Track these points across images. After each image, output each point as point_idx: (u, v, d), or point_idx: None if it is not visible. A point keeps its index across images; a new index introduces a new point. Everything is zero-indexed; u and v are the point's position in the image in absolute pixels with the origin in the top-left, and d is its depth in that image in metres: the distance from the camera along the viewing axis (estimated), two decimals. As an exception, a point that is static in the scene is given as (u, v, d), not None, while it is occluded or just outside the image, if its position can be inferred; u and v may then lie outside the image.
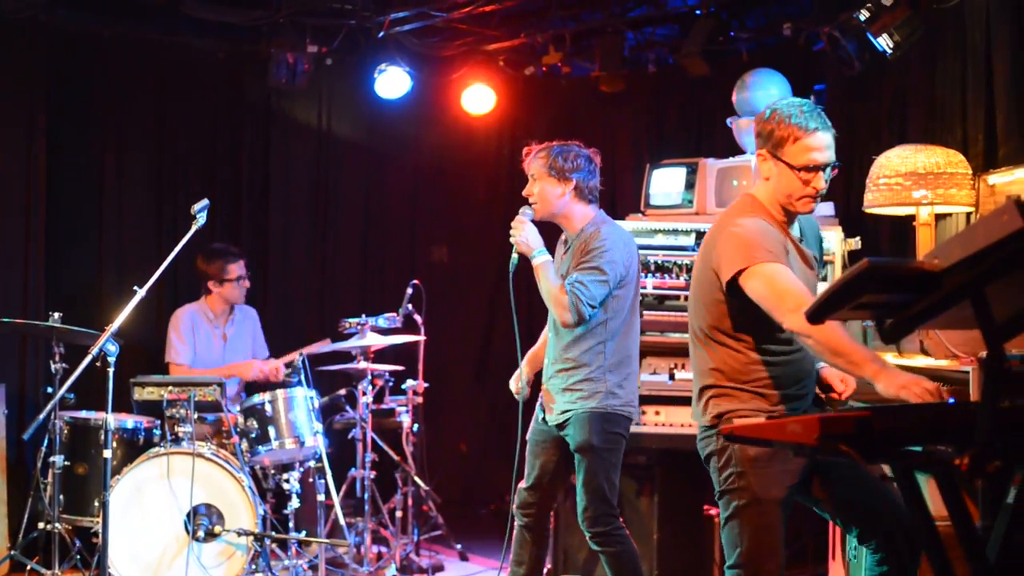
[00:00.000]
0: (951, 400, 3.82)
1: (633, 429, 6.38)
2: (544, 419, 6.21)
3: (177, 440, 7.14)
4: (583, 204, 6.17)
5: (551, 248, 6.20)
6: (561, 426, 6.07)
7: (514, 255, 6.14)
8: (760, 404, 4.59)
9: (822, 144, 4.53)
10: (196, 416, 7.24)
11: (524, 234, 6.11)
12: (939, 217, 6.63)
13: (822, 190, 4.56)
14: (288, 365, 7.94)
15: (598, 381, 5.97)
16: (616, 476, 6.02)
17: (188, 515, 6.97)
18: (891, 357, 5.21)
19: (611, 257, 5.92)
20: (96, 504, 7.27)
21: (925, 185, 6.24)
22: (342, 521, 7.61)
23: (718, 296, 4.60)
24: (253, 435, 7.42)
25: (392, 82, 9.80)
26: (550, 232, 6.27)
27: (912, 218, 6.47)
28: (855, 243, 6.86)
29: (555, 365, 6.15)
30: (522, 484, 6.29)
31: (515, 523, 6.31)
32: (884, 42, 7.14)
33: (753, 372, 4.60)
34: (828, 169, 4.55)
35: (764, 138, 4.60)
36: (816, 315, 3.12)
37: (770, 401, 4.59)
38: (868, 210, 6.61)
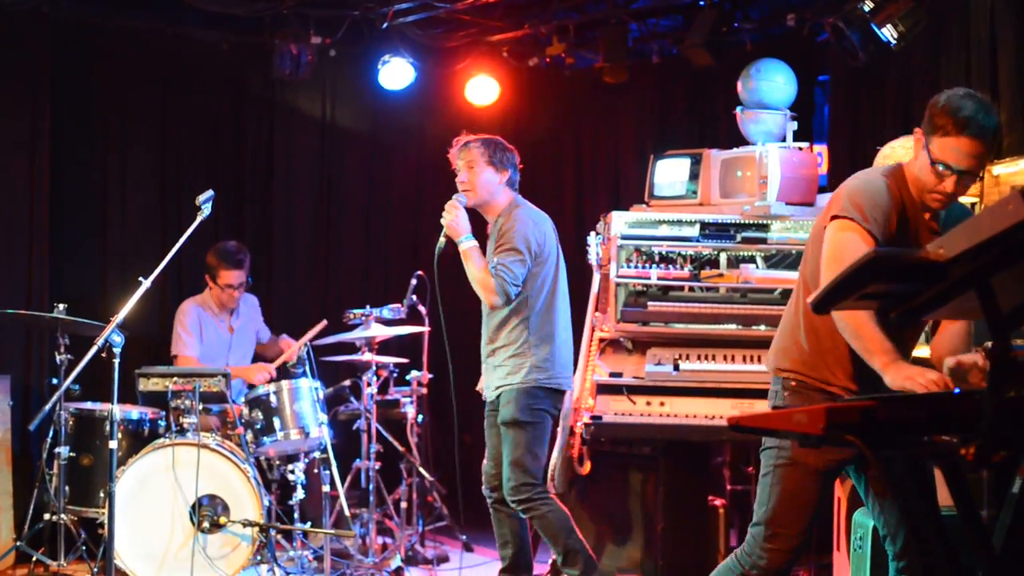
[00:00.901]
0: (956, 390, 3.82)
1: (638, 420, 6.42)
2: (486, 398, 6.62)
3: (182, 431, 7.14)
4: (509, 193, 6.61)
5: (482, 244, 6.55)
6: (495, 403, 6.48)
7: (441, 238, 6.49)
8: (825, 373, 4.55)
9: (967, 151, 4.23)
10: (201, 407, 7.24)
11: (456, 219, 6.45)
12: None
13: (951, 194, 4.34)
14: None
15: (524, 356, 6.36)
16: (542, 450, 6.40)
17: (193, 506, 6.97)
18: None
19: (523, 234, 6.36)
20: (101, 495, 7.28)
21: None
22: (347, 512, 7.61)
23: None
24: (258, 426, 7.43)
25: (396, 73, 9.79)
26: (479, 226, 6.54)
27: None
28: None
29: (488, 346, 6.56)
30: (484, 462, 6.63)
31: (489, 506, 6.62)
32: (888, 33, 7.13)
33: (829, 338, 4.49)
34: (964, 177, 4.31)
35: (926, 119, 4.35)
36: (821, 304, 3.12)
37: (836, 376, 4.53)
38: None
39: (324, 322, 8.15)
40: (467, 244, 6.40)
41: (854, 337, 4.13)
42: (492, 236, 6.51)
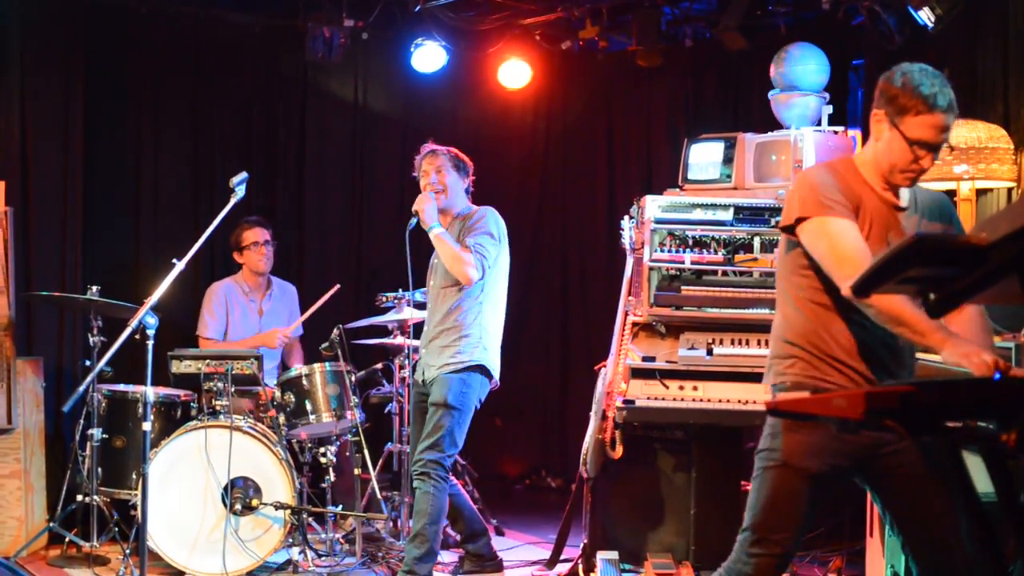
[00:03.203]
0: (997, 375, 3.78)
1: (671, 404, 6.40)
2: (423, 380, 6.89)
3: (214, 413, 7.17)
4: (464, 196, 7.13)
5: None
6: (427, 386, 6.84)
7: (412, 220, 6.85)
8: (829, 373, 4.46)
9: (943, 124, 4.29)
10: (233, 389, 7.26)
11: (428, 207, 6.81)
12: (980, 192, 6.58)
13: (926, 169, 4.37)
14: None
15: (475, 338, 6.79)
16: (462, 437, 6.81)
17: (225, 488, 6.99)
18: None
19: (495, 222, 6.91)
20: (134, 477, 7.32)
21: (966, 160, 6.19)
22: (379, 495, 7.63)
23: (789, 249, 4.51)
24: (290, 409, 7.45)
25: (428, 56, 9.79)
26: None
27: (953, 193, 6.41)
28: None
29: (436, 327, 6.87)
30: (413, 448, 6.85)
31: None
32: (925, 15, 7.08)
33: (824, 335, 4.45)
34: (938, 151, 4.36)
35: (886, 100, 4.36)
36: (862, 288, 3.09)
37: (846, 369, 4.45)
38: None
39: (337, 286, 8.21)
40: (438, 230, 6.76)
41: (898, 324, 4.07)
42: (451, 229, 6.92)
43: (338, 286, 8.20)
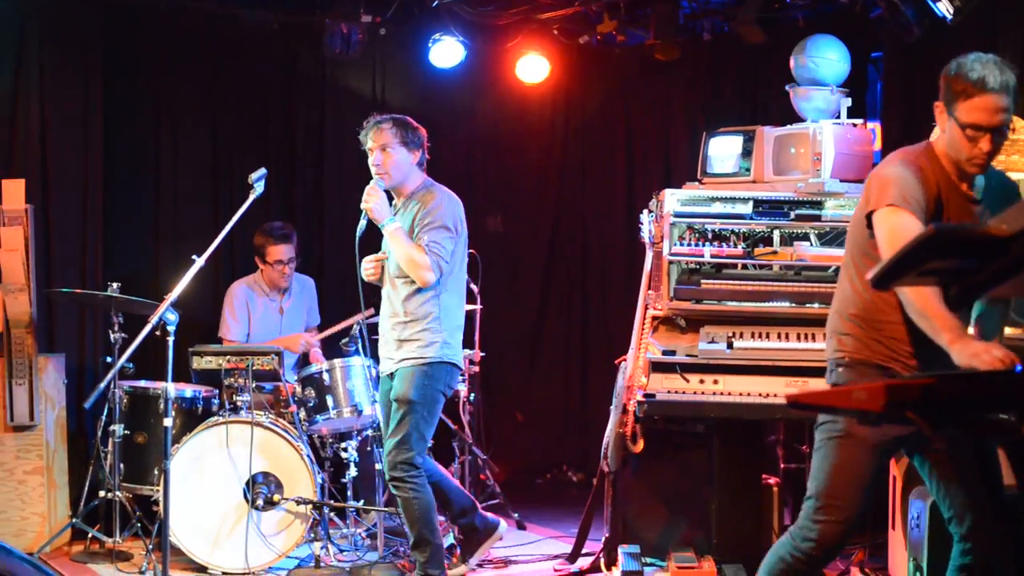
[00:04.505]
0: (1018, 368, 3.77)
1: (691, 398, 6.39)
2: (390, 374, 6.58)
3: (235, 409, 7.19)
4: (418, 172, 6.71)
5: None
6: (393, 375, 6.54)
7: (362, 221, 6.54)
8: (881, 352, 4.54)
9: (995, 105, 4.32)
10: (254, 385, 7.28)
11: (377, 203, 6.48)
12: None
13: (990, 152, 4.40)
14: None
15: (435, 332, 6.44)
16: (430, 431, 6.56)
17: (247, 484, 7.01)
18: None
19: (451, 212, 6.52)
20: (156, 473, 7.34)
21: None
22: (400, 490, 7.63)
23: (862, 234, 4.56)
24: (311, 404, 7.46)
25: (446, 52, 9.78)
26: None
27: (973, 185, 6.39)
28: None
29: (394, 318, 6.54)
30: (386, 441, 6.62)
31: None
32: (944, 7, 7.05)
33: (880, 317, 4.53)
34: (996, 134, 4.37)
35: (942, 90, 4.45)
36: (881, 280, 3.09)
37: (894, 353, 4.53)
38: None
39: (371, 310, 8.15)
40: (392, 226, 6.45)
41: (920, 315, 4.11)
42: (405, 215, 6.56)
43: (371, 310, 8.16)
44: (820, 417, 4.64)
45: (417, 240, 6.41)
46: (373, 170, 6.55)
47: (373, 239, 6.67)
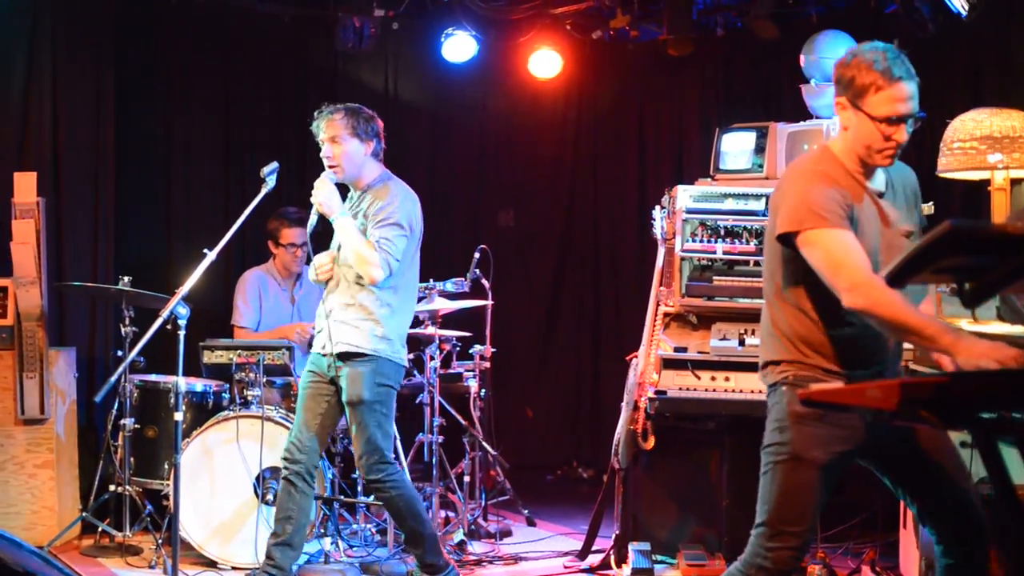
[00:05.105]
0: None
1: (703, 395, 6.37)
2: (328, 365, 6.35)
3: (246, 404, 7.18)
4: (374, 163, 6.48)
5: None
6: (340, 361, 6.30)
7: (313, 216, 6.31)
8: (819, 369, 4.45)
9: (906, 94, 4.25)
10: (265, 380, 7.27)
11: (327, 196, 6.27)
12: (1015, 182, 6.52)
13: (904, 143, 4.32)
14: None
15: (375, 324, 6.25)
16: (390, 424, 6.39)
17: (257, 479, 7.00)
18: (965, 324, 5.11)
19: (406, 210, 6.30)
20: (166, 467, 7.34)
21: (1000, 149, 6.14)
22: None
23: (782, 254, 4.43)
24: (321, 399, 7.45)
25: (459, 46, 9.78)
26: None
27: (987, 183, 6.36)
28: (928, 208, 6.76)
29: (339, 300, 6.33)
30: (295, 430, 6.46)
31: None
32: (959, 3, 7.03)
33: (819, 339, 4.43)
34: (911, 121, 4.30)
35: (844, 85, 4.35)
36: (896, 279, 3.07)
37: (830, 369, 4.43)
38: (942, 175, 6.50)
39: None
40: (343, 220, 6.26)
41: (903, 332, 4.03)
42: (359, 207, 6.38)
43: None
44: (766, 438, 4.56)
45: (368, 236, 6.23)
46: (325, 162, 6.36)
47: (328, 234, 6.53)
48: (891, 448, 4.45)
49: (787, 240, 4.34)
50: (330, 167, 6.33)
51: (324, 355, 6.36)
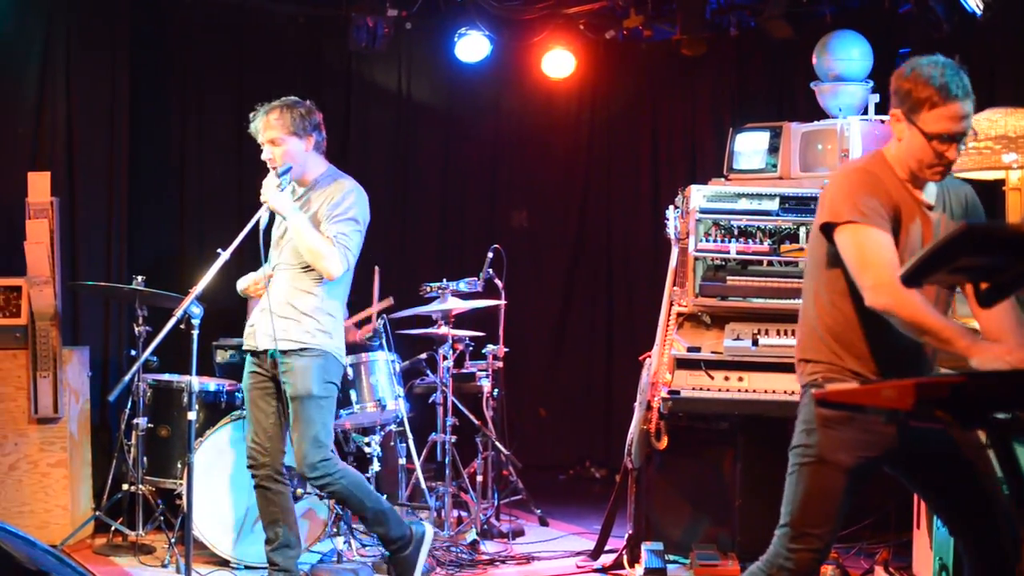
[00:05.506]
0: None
1: (716, 395, 6.37)
2: (270, 362, 6.29)
3: (259, 403, 7.18)
4: (317, 158, 6.44)
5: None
6: (268, 369, 6.28)
7: (264, 213, 6.17)
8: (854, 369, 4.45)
9: (960, 113, 4.19)
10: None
11: (276, 196, 6.15)
12: (1029, 182, 6.51)
13: (954, 160, 4.28)
14: (358, 324, 7.95)
15: (317, 320, 6.22)
16: (331, 420, 6.32)
17: (270, 478, 7.00)
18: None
19: (360, 206, 6.30)
20: (179, 466, 7.34)
21: (1015, 149, 6.12)
22: (423, 485, 7.62)
23: (826, 250, 4.41)
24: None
25: (472, 46, 9.78)
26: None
27: (1001, 182, 6.35)
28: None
29: (280, 296, 6.25)
30: (251, 435, 6.41)
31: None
32: (974, 3, 7.02)
33: (856, 340, 4.41)
34: (960, 141, 4.25)
35: (900, 97, 4.30)
36: (912, 278, 3.06)
37: (867, 369, 4.39)
38: (956, 174, 6.47)
39: (390, 299, 8.12)
40: (297, 218, 6.15)
41: (921, 333, 4.00)
42: (308, 204, 6.32)
43: (390, 300, 8.13)
44: (794, 439, 4.54)
45: (323, 231, 6.16)
46: (268, 164, 6.31)
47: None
48: (928, 459, 4.42)
49: (827, 231, 4.34)
50: (273, 168, 6.26)
51: (261, 352, 6.33)
